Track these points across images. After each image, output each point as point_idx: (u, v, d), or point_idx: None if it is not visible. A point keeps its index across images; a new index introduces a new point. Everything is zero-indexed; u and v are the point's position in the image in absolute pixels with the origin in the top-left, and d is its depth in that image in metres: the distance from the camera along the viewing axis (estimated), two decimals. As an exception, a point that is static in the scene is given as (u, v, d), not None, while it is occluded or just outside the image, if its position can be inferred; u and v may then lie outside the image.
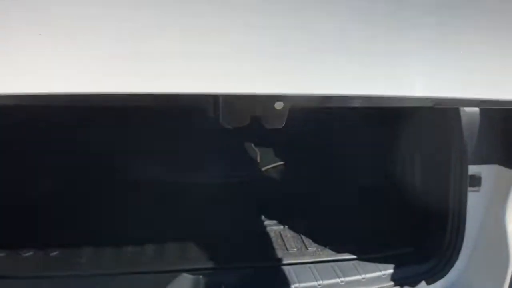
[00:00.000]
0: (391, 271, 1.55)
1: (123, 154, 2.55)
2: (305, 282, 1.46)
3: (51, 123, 2.30)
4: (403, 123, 2.12)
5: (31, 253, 1.58)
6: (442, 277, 1.54)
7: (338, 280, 1.48)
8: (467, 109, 1.57)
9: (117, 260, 1.56)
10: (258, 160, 2.77)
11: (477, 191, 1.57)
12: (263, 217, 1.99)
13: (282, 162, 2.84)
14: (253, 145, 3.08)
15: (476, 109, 1.60)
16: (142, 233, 1.76)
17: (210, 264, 1.57)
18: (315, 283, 1.45)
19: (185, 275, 1.48)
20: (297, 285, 1.44)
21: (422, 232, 1.74)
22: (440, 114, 1.63)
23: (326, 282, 1.46)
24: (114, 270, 1.50)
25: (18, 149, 2.19)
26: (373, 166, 2.41)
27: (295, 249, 1.70)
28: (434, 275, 1.55)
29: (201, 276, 1.48)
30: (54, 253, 1.58)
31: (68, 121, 2.29)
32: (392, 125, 2.23)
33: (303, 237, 1.79)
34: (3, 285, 1.39)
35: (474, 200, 1.57)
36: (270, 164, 2.78)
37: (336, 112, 2.93)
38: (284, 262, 1.60)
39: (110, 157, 2.58)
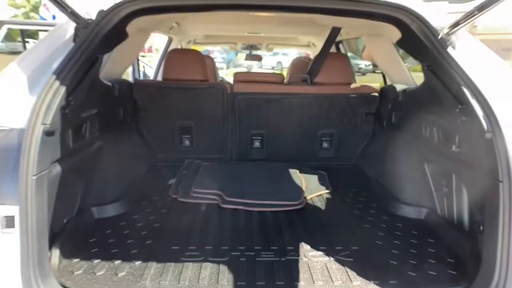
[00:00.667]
0: None
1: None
2: None
3: None
4: (447, 162, 2.17)
5: (102, 272, 1.77)
6: None
7: None
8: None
9: (176, 283, 1.72)
10: (304, 188, 2.86)
11: None
12: (309, 247, 2.08)
13: (327, 191, 2.92)
14: (298, 172, 3.19)
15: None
16: (198, 258, 1.92)
17: None
18: None
19: None
20: None
21: (469, 272, 1.76)
22: (491, 157, 1.66)
23: None
24: None
25: None
26: (420, 203, 2.46)
27: (340, 282, 1.76)
28: None
29: None
30: (122, 274, 1.76)
31: None
32: (434, 161, 2.29)
33: (348, 270, 1.86)
34: None
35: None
36: (315, 192, 2.86)
37: (381, 145, 3.01)
38: None
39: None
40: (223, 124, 3.47)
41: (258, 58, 6.39)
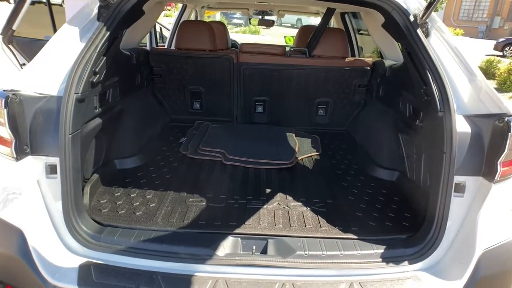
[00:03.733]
0: (382, 251, 1.96)
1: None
2: (314, 251, 1.93)
3: None
4: (414, 134, 2.52)
5: (123, 211, 2.24)
6: (422, 260, 1.93)
7: (338, 252, 1.94)
8: (460, 130, 1.94)
9: (181, 221, 2.17)
10: (296, 150, 3.25)
11: (461, 196, 1.95)
12: (291, 199, 2.50)
13: (317, 153, 3.31)
14: (294, 135, 3.58)
15: (469, 131, 1.97)
16: (200, 203, 2.38)
17: (246, 231, 2.10)
18: (320, 253, 1.93)
19: (229, 237, 2.02)
20: (307, 252, 1.92)
21: (418, 224, 2.13)
22: (440, 132, 2.00)
23: (329, 253, 1.93)
24: (179, 229, 2.10)
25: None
26: (393, 167, 2.83)
27: (312, 226, 2.17)
28: (416, 258, 1.94)
29: (239, 239, 2.02)
30: (139, 213, 2.23)
31: None
32: (406, 132, 2.65)
33: (320, 218, 2.27)
34: (109, 230, 2.04)
35: (458, 203, 1.95)
36: (306, 154, 3.26)
37: (364, 122, 3.37)
38: (302, 235, 2.08)
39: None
40: (230, 90, 3.84)
41: (270, 24, 6.58)
